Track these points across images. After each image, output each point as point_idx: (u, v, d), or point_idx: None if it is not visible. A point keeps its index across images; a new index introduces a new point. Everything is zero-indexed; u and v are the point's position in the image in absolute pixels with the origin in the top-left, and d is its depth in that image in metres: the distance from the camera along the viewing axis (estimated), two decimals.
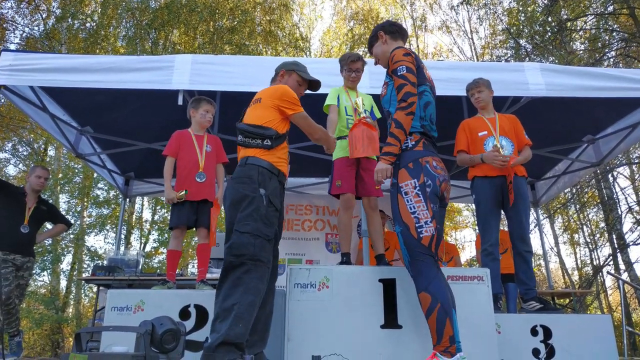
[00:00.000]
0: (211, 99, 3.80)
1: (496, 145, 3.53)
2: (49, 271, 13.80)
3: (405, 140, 2.46)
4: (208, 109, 3.73)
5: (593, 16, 12.58)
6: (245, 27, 14.93)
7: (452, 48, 19.84)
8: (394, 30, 2.74)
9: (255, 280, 2.34)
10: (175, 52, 13.58)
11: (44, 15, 14.56)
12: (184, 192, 3.50)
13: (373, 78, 3.75)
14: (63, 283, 14.96)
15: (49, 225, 4.97)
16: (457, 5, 17.22)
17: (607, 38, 12.52)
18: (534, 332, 3.04)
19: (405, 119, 2.37)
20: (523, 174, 3.61)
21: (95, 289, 6.25)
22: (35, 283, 14.65)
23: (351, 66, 3.52)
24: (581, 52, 12.71)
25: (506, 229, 3.82)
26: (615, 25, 12.66)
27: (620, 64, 11.60)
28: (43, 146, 15.45)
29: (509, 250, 3.64)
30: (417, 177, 2.35)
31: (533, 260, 3.77)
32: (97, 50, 13.47)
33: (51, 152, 15.46)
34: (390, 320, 2.66)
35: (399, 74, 2.45)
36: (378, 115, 3.64)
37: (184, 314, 2.96)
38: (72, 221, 14.06)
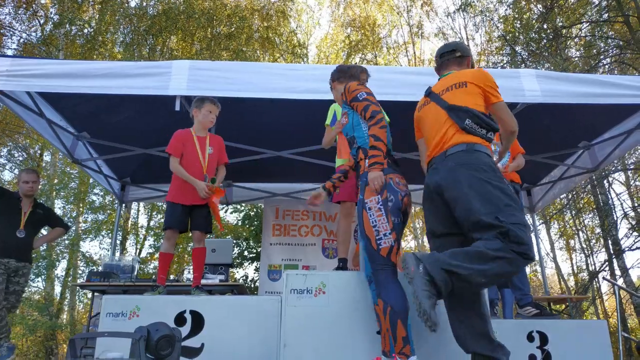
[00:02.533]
0: (215, 99, 3.72)
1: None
2: (43, 277, 13.72)
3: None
4: (211, 109, 3.66)
5: (588, 23, 12.70)
6: (243, 34, 14.98)
7: None
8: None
9: (514, 267, 2.08)
10: (173, 58, 13.62)
11: (41, 21, 14.58)
12: (209, 182, 3.50)
13: (372, 84, 3.74)
14: (57, 289, 14.87)
15: (44, 231, 4.94)
16: (454, 12, 17.34)
17: (602, 45, 12.62)
18: (530, 338, 3.04)
19: (380, 132, 2.51)
20: (517, 182, 3.63)
21: (89, 295, 6.21)
22: (30, 289, 14.54)
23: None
24: (576, 59, 12.81)
25: None
26: (610, 33, 12.77)
27: (615, 71, 11.69)
28: (39, 151, 15.40)
29: None
30: (380, 193, 2.48)
31: (529, 266, 3.78)
32: (95, 56, 13.47)
33: (47, 157, 15.43)
34: None
35: (360, 98, 2.63)
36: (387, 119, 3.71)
37: (180, 320, 2.95)
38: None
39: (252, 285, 12.09)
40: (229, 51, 14.49)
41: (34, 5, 14.45)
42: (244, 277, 13.02)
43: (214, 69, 3.85)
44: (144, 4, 15.08)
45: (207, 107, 3.65)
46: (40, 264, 12.93)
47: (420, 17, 19.26)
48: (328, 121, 3.77)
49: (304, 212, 6.99)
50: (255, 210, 12.53)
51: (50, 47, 13.55)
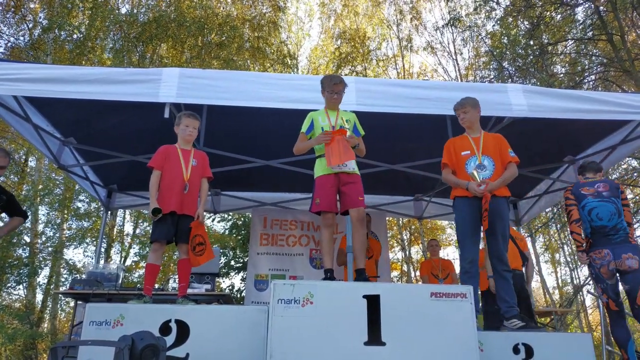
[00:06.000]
0: (194, 113, 3.74)
1: (473, 173, 3.54)
2: (24, 285, 13.42)
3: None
4: (188, 123, 3.66)
5: (573, 41, 12.96)
6: (234, 43, 15.01)
7: (436, 68, 20.10)
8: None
9: None
10: (163, 66, 13.56)
11: (30, 25, 14.45)
12: (160, 214, 3.43)
13: (360, 95, 3.78)
14: (39, 297, 14.55)
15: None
16: (442, 27, 17.56)
17: (586, 62, 12.88)
18: (516, 350, 3.05)
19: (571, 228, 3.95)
20: (504, 194, 3.62)
21: (72, 303, 6.10)
22: (10, 297, 14.22)
23: (334, 88, 3.58)
24: (562, 75, 13.04)
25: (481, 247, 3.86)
26: (595, 50, 13.04)
27: (600, 88, 11.91)
28: (24, 156, 15.16)
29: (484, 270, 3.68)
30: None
31: None
32: (83, 62, 13.36)
33: (32, 162, 15.18)
34: (374, 336, 2.64)
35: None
36: (362, 132, 3.68)
37: (165, 329, 2.90)
38: (51, 234, 13.80)
39: (239, 295, 11.99)
40: (220, 60, 14.50)
41: (22, 9, 14.33)
42: (231, 287, 12.91)
43: (204, 77, 3.86)
44: (135, 10, 15.05)
45: (184, 122, 3.67)
46: (21, 271, 12.65)
47: (409, 30, 19.48)
48: (304, 129, 3.64)
49: (292, 222, 6.97)
50: (242, 219, 12.46)
51: (39, 51, 13.42)
